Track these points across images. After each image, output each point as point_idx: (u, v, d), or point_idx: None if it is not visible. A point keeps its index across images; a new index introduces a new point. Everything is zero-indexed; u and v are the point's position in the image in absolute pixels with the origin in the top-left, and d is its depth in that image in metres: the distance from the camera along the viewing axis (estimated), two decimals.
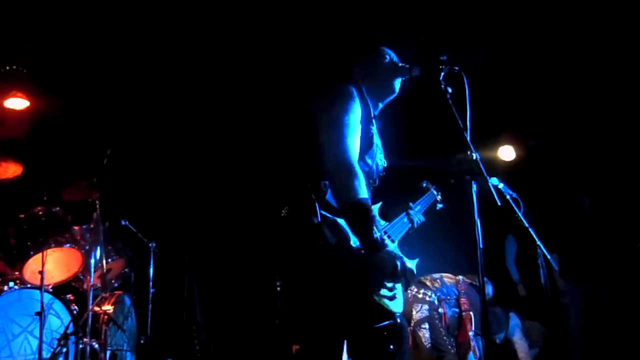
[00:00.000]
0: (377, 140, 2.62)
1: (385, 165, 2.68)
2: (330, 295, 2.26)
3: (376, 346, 2.30)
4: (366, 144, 2.49)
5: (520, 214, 2.91)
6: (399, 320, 2.34)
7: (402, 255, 2.40)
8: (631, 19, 5.05)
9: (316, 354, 2.36)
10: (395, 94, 2.71)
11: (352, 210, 2.26)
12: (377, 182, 2.68)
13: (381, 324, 2.29)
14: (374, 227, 2.24)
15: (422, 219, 2.83)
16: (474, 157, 2.36)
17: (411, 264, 2.51)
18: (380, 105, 2.74)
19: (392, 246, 2.51)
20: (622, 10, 4.98)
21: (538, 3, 4.92)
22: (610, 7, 4.95)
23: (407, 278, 2.34)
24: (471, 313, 4.75)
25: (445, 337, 4.67)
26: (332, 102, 2.43)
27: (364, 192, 2.27)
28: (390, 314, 2.30)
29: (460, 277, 4.97)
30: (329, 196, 2.33)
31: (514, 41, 5.39)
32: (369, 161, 2.52)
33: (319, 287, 2.27)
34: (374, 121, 2.58)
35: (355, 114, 2.42)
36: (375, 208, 2.54)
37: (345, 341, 2.43)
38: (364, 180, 2.31)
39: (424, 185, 3.08)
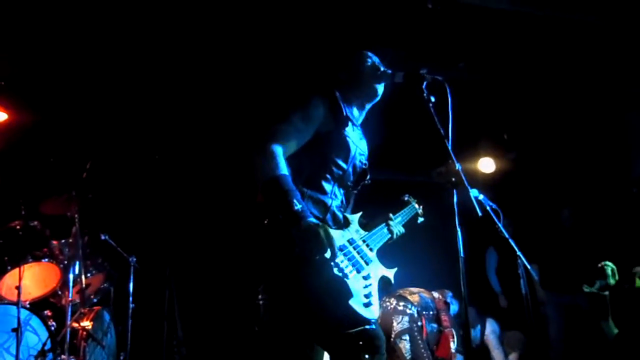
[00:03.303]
0: (358, 144, 2.63)
1: (366, 168, 2.68)
2: (305, 302, 2.25)
3: (352, 355, 2.27)
4: (337, 147, 2.51)
5: (500, 226, 2.93)
6: (374, 327, 2.31)
7: (328, 225, 2.32)
8: (608, 35, 5.17)
9: None
10: (378, 98, 2.73)
11: (267, 188, 2.24)
12: (358, 186, 2.69)
13: (354, 330, 2.26)
14: (294, 200, 2.19)
15: (402, 230, 2.83)
16: (457, 167, 2.38)
17: (390, 272, 2.53)
18: (367, 107, 2.75)
19: (371, 254, 2.51)
20: (599, 27, 5.09)
21: (515, 19, 5.02)
22: (587, 24, 5.07)
23: (332, 248, 2.15)
24: (453, 330, 4.77)
25: (423, 350, 4.67)
26: (292, 105, 2.47)
27: (281, 170, 2.24)
28: (363, 320, 2.28)
29: (435, 293, 5.00)
30: (309, 203, 2.31)
31: (493, 56, 5.48)
32: (343, 165, 2.53)
33: (295, 295, 2.27)
34: (350, 125, 2.59)
35: (305, 116, 2.45)
36: (356, 217, 2.55)
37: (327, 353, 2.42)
38: (283, 161, 2.29)
39: (406, 198, 3.09)
